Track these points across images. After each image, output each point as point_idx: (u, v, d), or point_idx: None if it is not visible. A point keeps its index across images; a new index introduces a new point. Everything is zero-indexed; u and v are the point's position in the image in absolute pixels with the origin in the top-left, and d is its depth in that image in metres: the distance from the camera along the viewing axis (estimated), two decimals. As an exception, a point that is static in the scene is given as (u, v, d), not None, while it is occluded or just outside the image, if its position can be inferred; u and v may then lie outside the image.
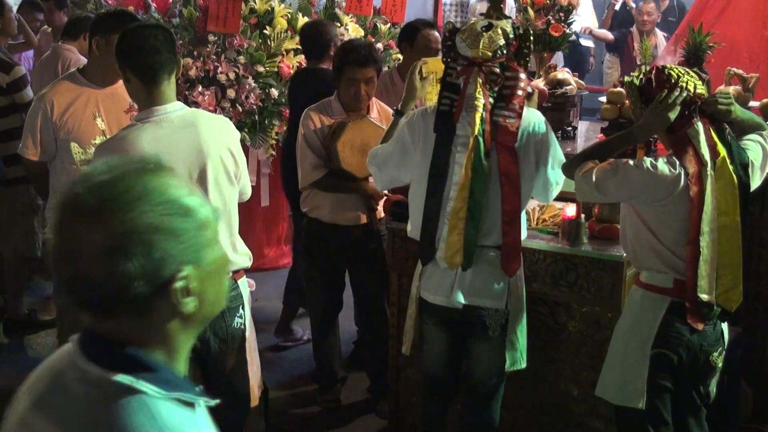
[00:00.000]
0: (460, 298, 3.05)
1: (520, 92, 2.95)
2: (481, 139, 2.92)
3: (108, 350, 1.25)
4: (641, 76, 2.96)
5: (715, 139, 2.87)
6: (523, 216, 3.13)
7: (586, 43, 8.93)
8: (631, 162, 2.88)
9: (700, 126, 2.87)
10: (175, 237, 1.22)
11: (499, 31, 2.97)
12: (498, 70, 2.96)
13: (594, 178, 2.89)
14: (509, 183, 2.97)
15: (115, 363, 1.24)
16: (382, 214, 4.08)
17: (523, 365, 3.18)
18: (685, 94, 2.84)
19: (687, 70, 2.93)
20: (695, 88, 2.86)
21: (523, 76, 2.97)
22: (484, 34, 2.96)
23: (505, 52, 2.96)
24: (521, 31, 3.02)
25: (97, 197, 1.21)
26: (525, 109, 3.05)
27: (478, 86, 2.94)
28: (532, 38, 3.01)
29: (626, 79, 3.02)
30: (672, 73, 2.88)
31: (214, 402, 1.33)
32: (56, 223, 1.25)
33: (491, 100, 2.95)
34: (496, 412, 3.25)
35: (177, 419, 1.24)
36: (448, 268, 3.03)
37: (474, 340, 3.14)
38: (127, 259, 1.19)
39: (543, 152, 3.06)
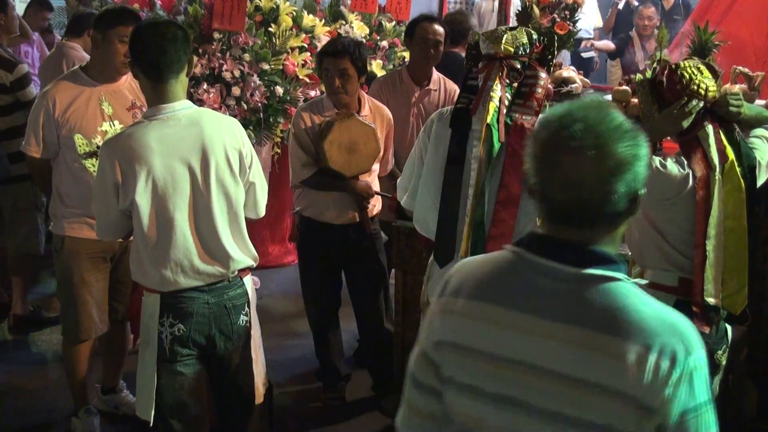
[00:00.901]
0: None
1: (539, 90, 2.91)
2: (494, 130, 2.85)
3: (578, 252, 1.55)
4: (655, 65, 2.95)
5: (725, 142, 2.86)
6: (533, 225, 3.01)
7: (588, 55, 8.92)
8: None
9: (710, 128, 2.86)
10: (641, 161, 1.52)
11: (524, 32, 2.96)
12: (519, 66, 2.92)
13: None
14: (509, 184, 2.87)
15: (585, 260, 1.54)
16: (374, 212, 4.09)
17: None
18: (701, 105, 2.83)
19: (700, 68, 2.89)
20: (707, 90, 2.84)
21: (543, 75, 2.94)
22: (508, 32, 2.95)
23: (528, 51, 2.93)
24: (546, 40, 3.00)
25: (594, 135, 1.49)
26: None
27: (498, 80, 2.90)
28: (556, 45, 2.99)
29: (638, 76, 3.01)
30: (685, 74, 2.85)
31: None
32: (549, 158, 1.54)
33: (509, 96, 2.91)
34: None
35: (648, 297, 1.56)
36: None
37: None
38: (620, 183, 1.50)
39: None
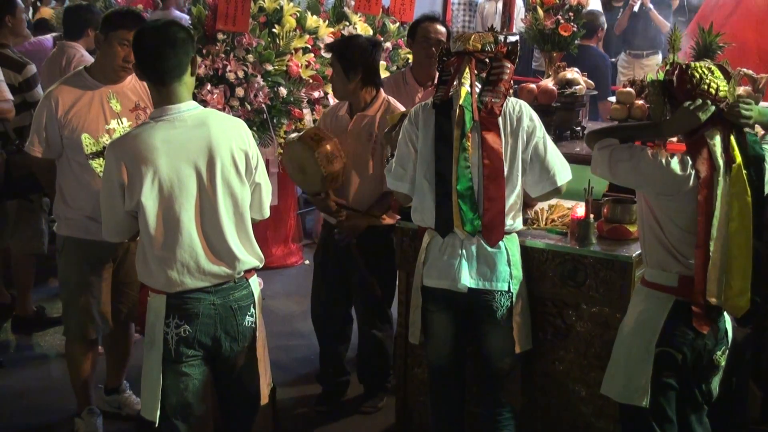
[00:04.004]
0: (466, 281, 3.18)
1: (506, 77, 3.19)
2: (467, 110, 3.13)
3: None
4: (668, 67, 2.96)
5: (733, 144, 2.85)
6: (518, 205, 3.26)
7: None
8: (648, 151, 2.91)
9: (718, 129, 2.86)
10: None
11: (491, 34, 3.25)
12: (485, 59, 3.21)
13: (609, 156, 2.97)
14: (490, 158, 3.14)
15: None
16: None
17: (530, 346, 3.34)
18: (713, 108, 2.84)
19: (711, 68, 2.88)
20: (717, 89, 2.84)
21: (509, 65, 3.21)
22: (476, 33, 3.26)
23: (493, 48, 3.21)
24: (511, 45, 3.27)
25: None
26: (517, 99, 3.30)
27: (467, 69, 3.19)
28: (519, 50, 3.31)
29: (649, 76, 3.03)
30: (695, 73, 2.85)
31: None
32: None
33: (478, 84, 3.19)
34: (518, 397, 3.39)
35: None
36: (460, 237, 3.19)
37: (484, 326, 3.26)
38: None
39: (532, 140, 3.23)
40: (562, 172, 3.26)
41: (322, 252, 4.24)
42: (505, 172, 3.18)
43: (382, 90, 4.09)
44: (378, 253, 4.08)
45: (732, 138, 2.86)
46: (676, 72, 2.90)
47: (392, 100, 4.10)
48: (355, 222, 3.99)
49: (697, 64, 2.91)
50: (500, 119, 3.17)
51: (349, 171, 3.99)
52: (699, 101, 2.83)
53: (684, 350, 2.92)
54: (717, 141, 2.85)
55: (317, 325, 4.32)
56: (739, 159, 2.84)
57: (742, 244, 2.86)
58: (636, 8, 8.59)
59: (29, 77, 4.96)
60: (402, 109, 4.01)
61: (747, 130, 2.92)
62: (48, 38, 6.78)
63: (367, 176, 4.01)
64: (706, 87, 2.83)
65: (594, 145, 3.09)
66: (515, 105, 3.24)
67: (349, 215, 3.99)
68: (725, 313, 2.98)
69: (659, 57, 8.62)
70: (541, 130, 3.25)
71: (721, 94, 2.85)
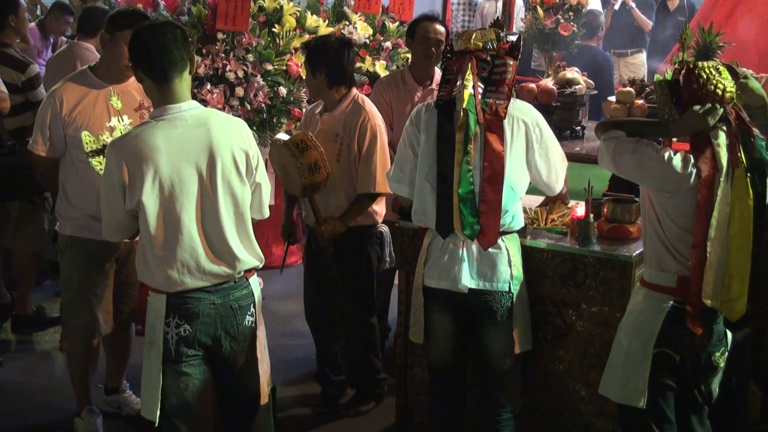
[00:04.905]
0: (466, 282, 3.18)
1: (508, 76, 3.16)
2: (471, 113, 3.10)
3: None
4: (676, 65, 2.96)
5: (739, 146, 2.84)
6: (519, 205, 3.27)
7: None
8: (651, 147, 2.91)
9: (723, 130, 2.85)
10: None
11: (492, 31, 3.22)
12: (487, 57, 3.17)
13: (614, 148, 2.97)
14: (492, 161, 3.12)
15: None
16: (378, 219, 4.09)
17: (530, 346, 3.34)
18: (722, 110, 2.83)
19: (719, 68, 2.87)
20: (724, 90, 2.83)
21: (511, 62, 3.18)
22: (477, 31, 3.23)
23: (495, 45, 3.17)
24: (514, 41, 3.24)
25: None
26: (520, 101, 3.28)
27: (469, 70, 3.15)
28: (521, 46, 3.28)
29: (656, 77, 3.02)
30: (702, 74, 2.84)
31: None
32: None
33: (481, 84, 3.16)
34: (518, 397, 3.39)
35: None
36: (461, 238, 3.19)
37: (484, 327, 3.26)
38: None
39: (537, 148, 3.22)
40: (560, 177, 3.32)
41: (307, 251, 4.23)
42: (507, 175, 3.16)
43: (354, 90, 4.03)
44: (352, 260, 4.05)
45: (738, 140, 2.85)
46: (683, 72, 2.89)
47: (362, 99, 4.02)
48: (332, 227, 3.94)
49: (705, 63, 2.89)
50: (505, 122, 3.14)
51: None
52: (708, 105, 2.82)
53: (682, 351, 2.93)
54: (722, 142, 2.84)
55: (310, 324, 4.32)
56: (743, 161, 2.83)
57: (742, 247, 2.85)
58: (617, 6, 8.61)
59: (32, 77, 4.96)
60: (369, 107, 3.99)
61: (756, 132, 2.91)
62: (32, 26, 6.79)
63: (334, 179, 3.91)
64: (712, 88, 2.82)
65: (600, 136, 3.10)
66: (521, 108, 3.23)
67: (326, 220, 3.94)
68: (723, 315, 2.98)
69: (643, 55, 8.65)
70: (546, 135, 3.24)
71: (727, 95, 2.83)
